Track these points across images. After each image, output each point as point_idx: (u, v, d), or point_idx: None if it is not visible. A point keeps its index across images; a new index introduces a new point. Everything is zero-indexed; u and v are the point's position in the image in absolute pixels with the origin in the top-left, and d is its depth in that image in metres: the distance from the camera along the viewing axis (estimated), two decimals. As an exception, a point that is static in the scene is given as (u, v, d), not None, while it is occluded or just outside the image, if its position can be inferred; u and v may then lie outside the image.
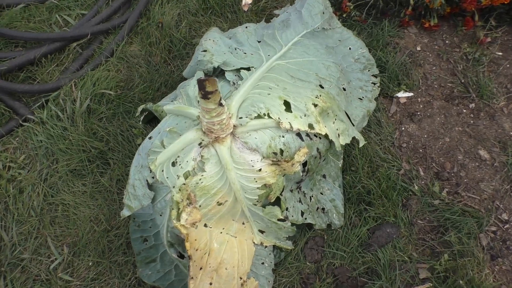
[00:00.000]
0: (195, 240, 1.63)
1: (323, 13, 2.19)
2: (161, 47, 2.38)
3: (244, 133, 1.62)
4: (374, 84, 2.17)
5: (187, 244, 1.57)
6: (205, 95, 1.43)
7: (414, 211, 1.94)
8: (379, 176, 1.98)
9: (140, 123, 2.06)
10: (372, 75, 2.20)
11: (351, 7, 2.48)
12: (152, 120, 2.16)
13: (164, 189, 1.67)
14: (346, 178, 1.99)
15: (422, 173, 2.04)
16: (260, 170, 1.61)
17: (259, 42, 2.08)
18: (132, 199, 1.68)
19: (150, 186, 1.67)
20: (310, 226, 1.91)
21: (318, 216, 1.89)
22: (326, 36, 2.22)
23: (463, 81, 2.25)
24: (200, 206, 1.61)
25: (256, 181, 1.63)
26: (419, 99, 2.24)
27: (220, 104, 1.49)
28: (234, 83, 1.82)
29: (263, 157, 1.61)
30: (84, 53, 2.44)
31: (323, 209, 1.91)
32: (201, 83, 1.40)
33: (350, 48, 2.23)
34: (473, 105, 2.19)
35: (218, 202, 1.64)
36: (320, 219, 1.89)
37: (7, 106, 2.28)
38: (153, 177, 1.64)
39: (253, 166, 1.61)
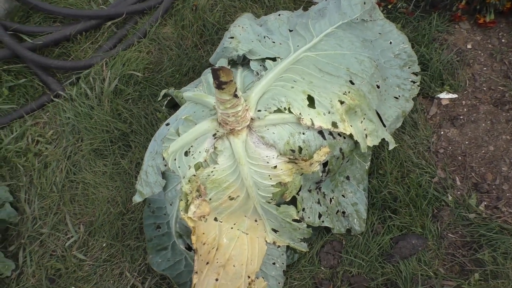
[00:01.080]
0: (203, 233, 1.58)
1: (364, 3, 2.03)
2: (193, 31, 2.32)
3: (261, 127, 1.54)
4: (414, 82, 2.00)
5: (193, 238, 1.52)
6: (219, 85, 1.35)
7: (445, 224, 1.78)
8: (409, 183, 1.83)
9: (164, 107, 2.03)
10: (412, 73, 2.02)
11: (398, -3, 2.29)
12: (177, 105, 2.11)
13: (175, 178, 1.62)
14: (372, 182, 1.86)
15: (458, 183, 1.87)
16: (275, 167, 1.53)
17: (290, 31, 1.97)
18: (144, 186, 1.65)
19: (163, 174, 1.63)
20: (328, 229, 1.80)
21: (338, 220, 1.78)
22: (365, 28, 2.07)
23: (517, 84, 2.03)
24: (210, 199, 1.55)
25: (271, 178, 1.55)
26: (463, 102, 2.04)
27: (235, 96, 1.41)
28: (257, 73, 1.73)
29: (280, 154, 1.52)
30: (119, 32, 2.43)
31: (343, 212, 1.79)
32: (215, 73, 1.32)
33: (390, 43, 2.06)
34: (526, 112, 1.97)
35: (229, 196, 1.58)
36: (339, 223, 1.78)
37: (40, 81, 2.32)
38: (165, 165, 1.60)
39: (268, 162, 1.52)
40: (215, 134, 1.53)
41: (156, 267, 1.76)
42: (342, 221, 1.79)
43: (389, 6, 2.30)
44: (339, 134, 1.64)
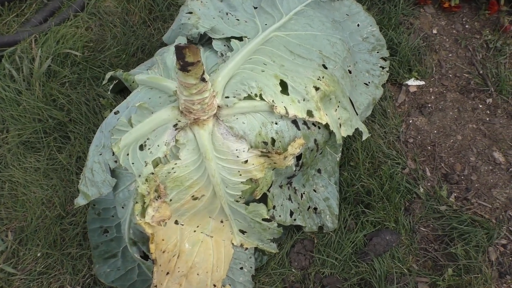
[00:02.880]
0: (163, 240, 1.36)
1: (332, -20, 1.89)
2: (140, 5, 2.04)
3: (230, 116, 1.34)
4: (383, 68, 1.90)
5: (152, 246, 1.30)
6: (184, 66, 1.13)
7: (417, 217, 1.71)
8: (382, 175, 1.73)
9: (109, 92, 1.75)
10: (381, 58, 1.92)
11: (363, -22, 2.17)
12: (124, 90, 1.84)
13: (128, 176, 1.38)
14: (343, 175, 1.74)
15: (428, 174, 1.80)
16: (246, 162, 1.34)
17: (255, 8, 1.77)
18: (89, 186, 1.39)
19: (113, 172, 1.38)
20: (298, 227, 1.66)
21: (309, 217, 1.64)
22: (333, 8, 1.92)
23: (481, 72, 1.99)
24: (170, 200, 1.34)
25: (241, 175, 1.36)
26: (431, 89, 1.97)
27: (203, 80, 1.19)
28: (222, 55, 1.52)
29: (251, 147, 1.33)
30: (50, 4, 2.08)
31: (315, 209, 1.65)
32: (179, 51, 1.10)
33: (358, 25, 1.94)
34: (490, 100, 1.93)
35: (193, 196, 1.37)
36: (311, 220, 1.64)
37: (-48, 60, 1.93)
38: (115, 161, 1.35)
39: (238, 156, 1.33)
40: (176, 124, 1.30)
41: (104, 279, 1.52)
42: (314, 218, 1.65)
43: (354, -13, 2.17)
44: (313, 124, 1.48)
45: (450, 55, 2.05)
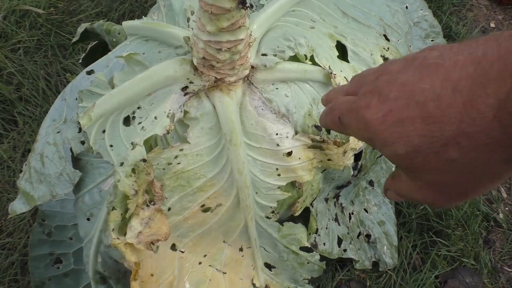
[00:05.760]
0: (152, 275, 0.84)
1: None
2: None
3: (267, 82, 0.87)
4: (439, 59, 1.49)
5: (135, 285, 0.77)
6: (216, -30, 0.66)
7: (499, 252, 1.24)
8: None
9: (80, 61, 1.24)
10: (437, 47, 1.51)
11: (403, -40, 1.80)
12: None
13: (102, 168, 0.86)
14: (401, 191, 1.27)
15: (504, 195, 1.36)
16: (289, 154, 0.86)
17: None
18: (35, 182, 0.85)
19: (76, 160, 0.86)
20: (343, 262, 1.16)
21: (360, 248, 1.15)
22: (379, -17, 1.53)
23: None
24: (169, 209, 0.82)
25: (279, 175, 0.87)
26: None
27: (242, 3, 0.72)
28: (252, 6, 1.06)
29: (297, 132, 0.86)
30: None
31: (367, 235, 1.16)
32: None
33: (407, 7, 1.55)
34: None
35: (203, 205, 0.86)
36: (362, 253, 1.14)
37: None
38: (82, 143, 0.84)
39: (278, 145, 0.85)
40: (187, 87, 0.81)
41: (50, 336, 0.96)
42: (366, 249, 1.15)
43: (393, -30, 1.79)
44: (379, 110, 1.02)
45: (513, 53, 1.67)
